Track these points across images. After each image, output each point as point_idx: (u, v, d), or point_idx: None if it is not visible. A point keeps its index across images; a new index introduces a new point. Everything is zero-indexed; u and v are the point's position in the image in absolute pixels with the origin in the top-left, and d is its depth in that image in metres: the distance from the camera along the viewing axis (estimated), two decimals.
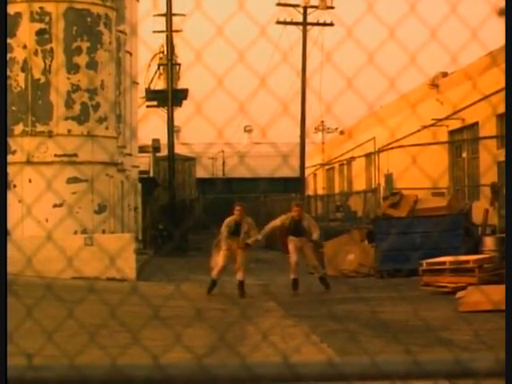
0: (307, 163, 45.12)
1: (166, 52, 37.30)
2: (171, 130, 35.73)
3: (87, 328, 10.35)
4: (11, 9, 20.47)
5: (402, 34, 4.08)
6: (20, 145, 20.46)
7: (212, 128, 3.53)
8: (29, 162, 20.40)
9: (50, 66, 20.82)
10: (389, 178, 37.22)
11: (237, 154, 62.39)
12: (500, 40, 3.75)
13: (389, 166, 37.60)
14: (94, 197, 21.16)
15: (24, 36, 20.90)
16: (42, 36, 20.86)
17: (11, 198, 19.01)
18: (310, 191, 51.09)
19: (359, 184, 42.48)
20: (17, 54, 20.86)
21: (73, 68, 20.98)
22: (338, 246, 22.66)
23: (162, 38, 39.13)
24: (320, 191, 52.95)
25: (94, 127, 21.01)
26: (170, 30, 36.00)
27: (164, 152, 41.05)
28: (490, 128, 26.50)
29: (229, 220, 17.49)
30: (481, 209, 23.20)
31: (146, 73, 41.68)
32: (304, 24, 41.66)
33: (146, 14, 64.47)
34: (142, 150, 41.32)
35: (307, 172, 46.66)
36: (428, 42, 3.76)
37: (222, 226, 17.55)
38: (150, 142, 44.58)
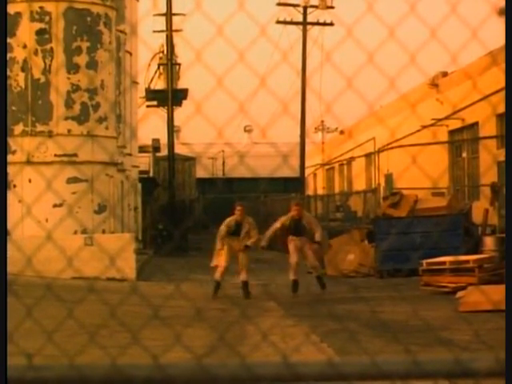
0: (307, 163, 45.11)
1: (165, 52, 37.28)
2: (171, 129, 35.72)
3: (87, 328, 10.35)
4: (11, 8, 20.47)
5: (402, 34, 4.07)
6: (20, 145, 20.46)
7: (212, 128, 3.53)
8: (29, 162, 20.41)
9: (49, 65, 20.83)
10: (389, 178, 37.20)
11: (237, 153, 62.36)
12: (500, 40, 3.75)
13: (389, 165, 37.58)
14: (94, 197, 21.17)
15: (24, 36, 20.90)
16: (42, 36, 20.86)
17: (11, 197, 19.01)
18: (309, 191, 51.05)
19: (359, 184, 42.46)
20: (17, 53, 20.86)
21: (73, 68, 20.98)
22: (338, 245, 22.68)
23: (161, 38, 39.11)
24: (320, 191, 52.92)
25: (94, 127, 21.01)
26: (169, 30, 36.00)
27: (164, 152, 41.03)
28: (489, 128, 26.48)
29: (229, 220, 17.42)
30: (481, 209, 23.19)
31: (146, 72, 41.66)
32: (304, 24, 41.65)
33: (145, 13, 64.44)
34: (142, 149, 41.31)
35: (307, 172, 46.66)
36: (428, 42, 3.76)
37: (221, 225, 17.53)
38: (149, 142, 44.57)
